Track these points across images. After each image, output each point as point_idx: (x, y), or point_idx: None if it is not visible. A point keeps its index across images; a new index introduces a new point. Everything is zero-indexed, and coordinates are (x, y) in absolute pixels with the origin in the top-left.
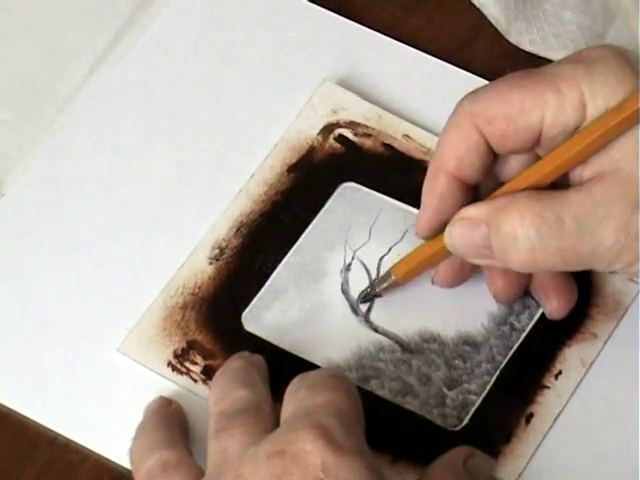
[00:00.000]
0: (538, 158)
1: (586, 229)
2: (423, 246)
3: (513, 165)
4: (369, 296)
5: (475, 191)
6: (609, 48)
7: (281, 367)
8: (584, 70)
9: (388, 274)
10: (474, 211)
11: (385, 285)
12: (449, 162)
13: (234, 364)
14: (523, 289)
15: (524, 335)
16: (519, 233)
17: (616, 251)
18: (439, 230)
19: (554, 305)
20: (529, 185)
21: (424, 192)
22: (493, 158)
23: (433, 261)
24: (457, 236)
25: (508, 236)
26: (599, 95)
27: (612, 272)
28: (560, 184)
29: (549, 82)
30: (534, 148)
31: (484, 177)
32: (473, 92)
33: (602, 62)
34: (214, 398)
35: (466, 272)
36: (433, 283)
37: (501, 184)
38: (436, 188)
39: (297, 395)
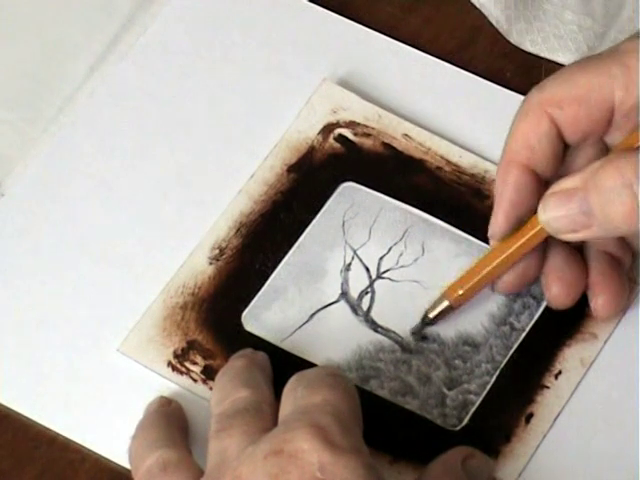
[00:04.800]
0: (607, 149)
1: None
2: (477, 263)
3: (585, 159)
4: (423, 324)
5: (547, 187)
6: None
7: (281, 367)
8: None
9: (441, 298)
10: (568, 182)
11: (438, 311)
12: (521, 152)
13: (236, 363)
14: (580, 291)
15: (524, 335)
16: (620, 184)
17: None
18: (513, 229)
19: (599, 302)
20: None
21: (497, 186)
22: (564, 148)
23: (490, 278)
24: (553, 207)
25: (609, 190)
26: None
27: None
28: None
29: (613, 58)
30: (608, 130)
31: (555, 169)
32: (540, 83)
33: None
34: (216, 399)
35: (531, 275)
36: (493, 291)
37: None
38: (509, 180)
39: (295, 394)
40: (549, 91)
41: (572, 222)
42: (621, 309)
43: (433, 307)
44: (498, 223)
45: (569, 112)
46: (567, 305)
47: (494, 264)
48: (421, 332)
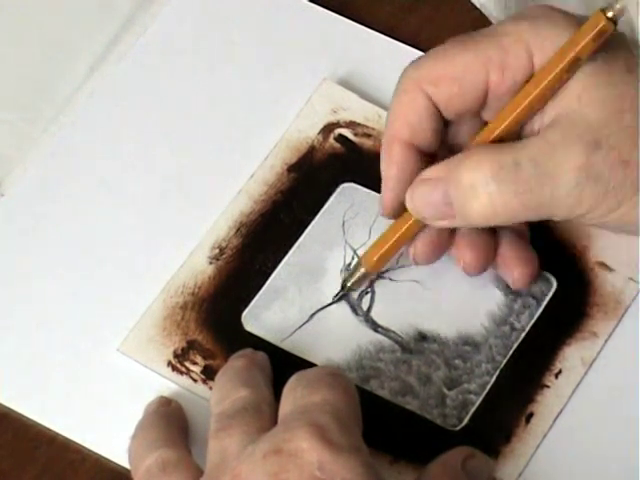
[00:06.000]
0: (487, 124)
1: (544, 171)
2: (388, 230)
3: (465, 133)
4: (341, 292)
5: (433, 161)
6: (549, 6)
7: (281, 367)
8: (528, 24)
9: (357, 265)
10: (433, 171)
11: (356, 278)
12: (401, 130)
13: (236, 363)
14: (491, 258)
15: (524, 335)
16: (477, 181)
17: (576, 195)
18: (403, 207)
19: (515, 275)
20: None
21: (382, 166)
22: (444, 124)
23: (401, 242)
24: (418, 197)
25: (466, 186)
26: (547, 44)
27: (579, 222)
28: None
29: (491, 40)
30: (482, 108)
31: (437, 144)
32: (417, 58)
33: (545, 15)
34: (215, 399)
35: (444, 244)
36: (415, 263)
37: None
38: (393, 158)
39: (294, 393)
40: (425, 68)
41: (437, 211)
42: (534, 278)
43: (351, 275)
44: (387, 202)
45: (444, 90)
46: (480, 271)
47: (403, 229)
48: (340, 299)
